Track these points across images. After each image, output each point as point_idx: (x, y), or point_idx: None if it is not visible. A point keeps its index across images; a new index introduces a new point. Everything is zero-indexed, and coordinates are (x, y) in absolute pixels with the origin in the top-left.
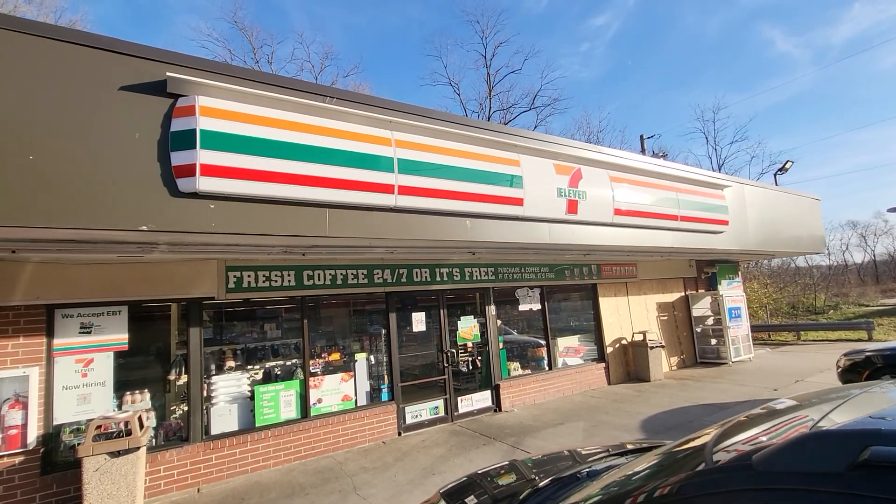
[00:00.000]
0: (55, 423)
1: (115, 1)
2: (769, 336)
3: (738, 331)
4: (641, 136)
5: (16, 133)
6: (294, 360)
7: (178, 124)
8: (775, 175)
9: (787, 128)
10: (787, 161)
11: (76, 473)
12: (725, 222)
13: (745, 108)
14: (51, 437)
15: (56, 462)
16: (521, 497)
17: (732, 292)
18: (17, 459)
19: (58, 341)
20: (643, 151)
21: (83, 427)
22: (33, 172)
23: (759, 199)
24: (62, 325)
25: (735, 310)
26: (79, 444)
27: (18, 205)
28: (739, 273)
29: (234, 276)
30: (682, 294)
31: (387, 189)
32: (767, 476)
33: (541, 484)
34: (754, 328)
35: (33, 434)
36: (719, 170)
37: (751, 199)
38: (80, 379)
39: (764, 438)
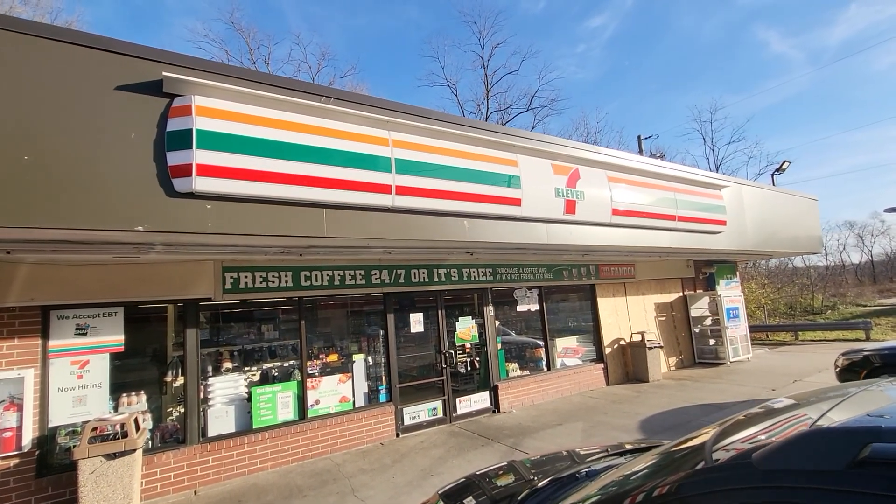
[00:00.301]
0: (50, 425)
1: (112, 3)
2: (767, 336)
3: (737, 331)
4: (639, 137)
5: (10, 133)
6: (291, 362)
7: (174, 124)
8: (772, 175)
9: (784, 128)
10: (785, 161)
11: (72, 476)
12: (723, 222)
13: (743, 108)
14: (46, 439)
15: (51, 464)
16: (519, 497)
17: (730, 292)
18: (12, 462)
19: (53, 343)
20: (641, 152)
21: (79, 429)
22: (28, 173)
23: (756, 200)
24: (57, 326)
25: (733, 310)
26: (74, 447)
27: (13, 205)
28: (737, 273)
29: (231, 277)
30: (681, 294)
31: (384, 189)
32: (767, 474)
33: (539, 484)
34: (752, 328)
35: (28, 436)
36: (717, 170)
37: (748, 199)
38: (75, 381)
39: (763, 437)
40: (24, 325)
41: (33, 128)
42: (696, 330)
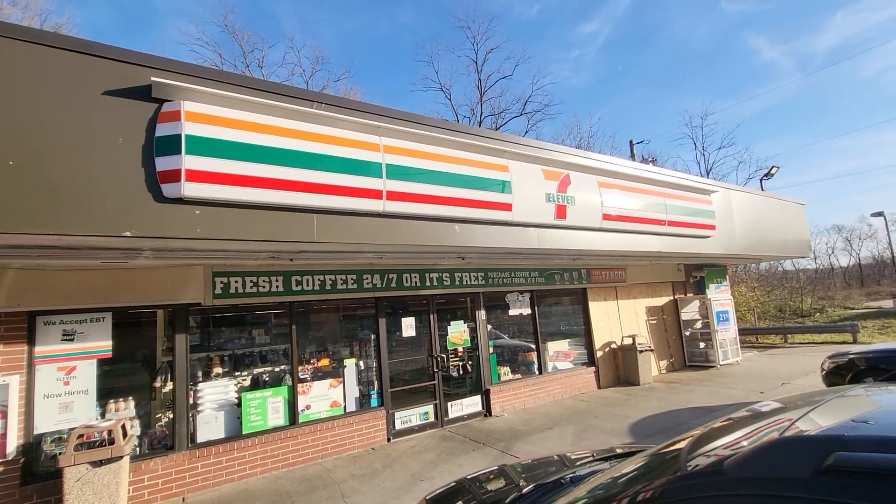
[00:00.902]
0: (36, 432)
1: (102, 4)
2: (757, 339)
3: (726, 334)
4: (631, 142)
5: None
6: (282, 366)
7: (162, 129)
8: (761, 180)
9: (774, 134)
10: (773, 166)
11: (57, 484)
12: (713, 227)
13: (732, 114)
14: (31, 446)
15: (37, 472)
16: (505, 502)
17: (720, 296)
18: None
19: (39, 349)
20: (633, 156)
21: (65, 436)
22: (13, 178)
23: (745, 204)
24: (44, 332)
25: (723, 313)
26: (60, 454)
27: None
28: (727, 277)
29: (221, 282)
30: (671, 298)
31: (375, 194)
32: (738, 481)
33: (525, 490)
34: (742, 331)
35: (13, 444)
36: (707, 175)
37: (738, 204)
38: (62, 387)
39: (745, 443)
40: (10, 331)
41: (19, 132)
42: (687, 333)
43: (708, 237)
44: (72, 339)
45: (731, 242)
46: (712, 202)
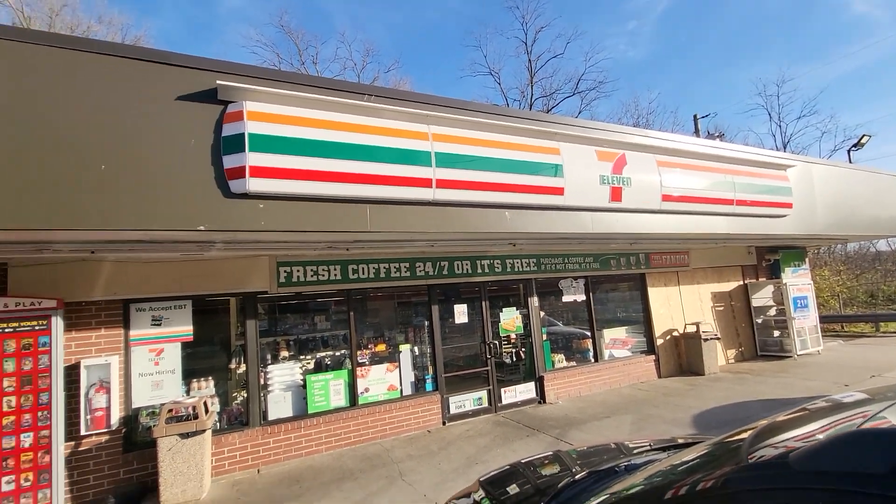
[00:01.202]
0: (133, 406)
1: (171, 14)
2: (842, 327)
3: (805, 322)
4: (695, 116)
5: (91, 146)
6: (342, 351)
7: (228, 129)
8: (849, 151)
9: (865, 99)
10: (864, 135)
11: (152, 452)
12: (789, 205)
13: (815, 79)
14: (130, 419)
15: (135, 441)
16: (558, 486)
17: (798, 280)
18: (104, 438)
19: (133, 332)
20: (697, 132)
21: (157, 410)
22: (105, 180)
23: (829, 179)
24: (136, 317)
25: (801, 299)
26: (154, 426)
27: (94, 210)
28: (807, 260)
29: (285, 272)
30: (741, 283)
31: (425, 183)
32: (807, 475)
33: (577, 476)
34: (825, 318)
35: (116, 416)
36: (784, 148)
37: (820, 178)
38: (153, 367)
39: (820, 435)
40: (109, 316)
41: (108, 139)
42: (759, 321)
43: (783, 216)
44: (159, 324)
45: (811, 221)
46: (789, 178)
